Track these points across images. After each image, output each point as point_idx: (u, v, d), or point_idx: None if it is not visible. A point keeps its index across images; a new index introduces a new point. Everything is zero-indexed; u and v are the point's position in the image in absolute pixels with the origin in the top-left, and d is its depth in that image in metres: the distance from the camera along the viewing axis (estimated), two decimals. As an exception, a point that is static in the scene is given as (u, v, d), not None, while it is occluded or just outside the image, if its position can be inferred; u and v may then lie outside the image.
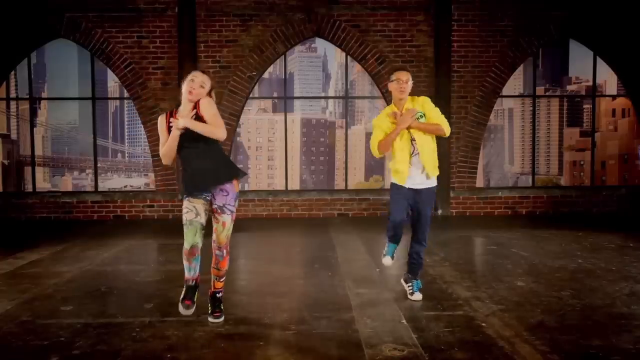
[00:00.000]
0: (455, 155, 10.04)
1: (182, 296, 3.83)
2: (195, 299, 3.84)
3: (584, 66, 10.55)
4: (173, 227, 8.61)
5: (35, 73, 10.42)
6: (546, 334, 3.68)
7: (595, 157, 10.58)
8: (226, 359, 3.37)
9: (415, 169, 4.37)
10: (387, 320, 4.02)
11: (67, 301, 4.61)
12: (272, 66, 10.42)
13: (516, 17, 9.94)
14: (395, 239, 4.56)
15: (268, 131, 11.08)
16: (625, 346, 3.45)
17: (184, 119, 3.64)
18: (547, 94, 11.00)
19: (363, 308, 4.33)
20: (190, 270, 3.82)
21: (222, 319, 3.99)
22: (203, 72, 3.91)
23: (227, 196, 3.80)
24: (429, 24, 9.95)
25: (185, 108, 3.77)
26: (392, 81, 4.43)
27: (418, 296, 4.52)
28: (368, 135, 10.78)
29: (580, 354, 3.36)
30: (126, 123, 11.58)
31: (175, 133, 3.67)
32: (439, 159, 4.61)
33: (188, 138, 3.68)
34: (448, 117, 9.87)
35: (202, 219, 3.76)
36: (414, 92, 4.49)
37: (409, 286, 4.60)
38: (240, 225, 8.98)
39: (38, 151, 10.49)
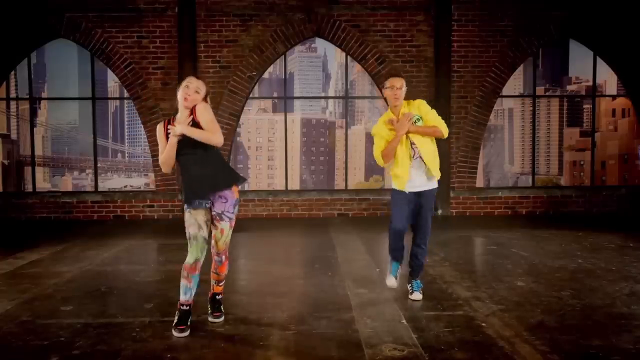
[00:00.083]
0: (455, 155, 10.04)
1: (175, 322, 3.74)
2: (189, 323, 3.76)
3: (584, 66, 10.55)
4: (173, 227, 8.61)
5: (35, 73, 10.43)
6: (546, 334, 3.68)
7: (595, 157, 10.58)
8: (226, 359, 3.37)
9: (416, 172, 4.37)
10: (387, 320, 4.02)
11: (67, 301, 4.61)
12: (272, 66, 10.42)
13: (516, 17, 9.94)
14: (397, 255, 4.56)
15: (268, 131, 11.08)
16: (625, 346, 3.45)
17: (180, 126, 3.61)
18: (547, 94, 11.01)
19: (363, 308, 4.32)
20: (187, 292, 3.75)
21: (222, 318, 3.99)
22: (197, 77, 3.89)
23: (226, 203, 3.78)
24: (429, 24, 9.95)
25: (182, 115, 3.74)
26: (386, 88, 4.42)
27: (418, 296, 4.53)
28: (368, 135, 10.81)
29: (580, 354, 3.35)
30: (126, 123, 11.59)
31: (173, 140, 3.64)
32: (439, 159, 4.61)
33: (186, 145, 3.66)
34: (448, 117, 10.00)
35: (205, 232, 3.75)
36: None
37: (409, 286, 4.61)
38: (240, 225, 8.98)
39: (38, 151, 10.50)
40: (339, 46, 10.10)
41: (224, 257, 3.91)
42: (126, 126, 11.65)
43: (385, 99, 4.58)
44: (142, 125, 10.05)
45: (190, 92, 3.71)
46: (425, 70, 9.97)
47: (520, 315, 4.09)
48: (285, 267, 6.08)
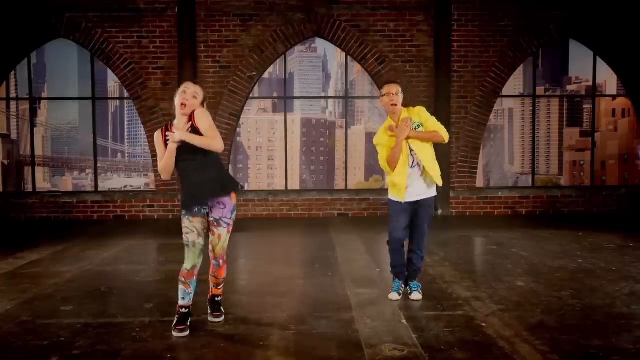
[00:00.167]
0: (455, 155, 10.04)
1: (175, 322, 3.75)
2: (189, 323, 3.77)
3: (584, 66, 10.55)
4: (173, 227, 8.60)
5: (35, 73, 10.43)
6: (546, 334, 3.68)
7: (595, 157, 10.58)
8: (226, 359, 3.37)
9: (414, 179, 4.38)
10: (387, 320, 4.02)
11: (67, 301, 4.61)
12: (272, 66, 10.42)
13: (516, 17, 9.94)
14: (398, 273, 4.59)
15: (268, 131, 11.07)
16: (625, 346, 3.45)
17: (180, 132, 3.58)
18: (547, 94, 11.00)
19: (363, 308, 4.33)
20: (185, 297, 3.76)
21: (222, 318, 4.00)
22: (195, 82, 3.88)
23: (224, 209, 3.76)
24: (429, 24, 9.95)
25: (180, 121, 3.71)
26: (382, 96, 4.44)
27: (417, 296, 4.53)
28: (368, 135, 10.81)
29: (580, 354, 3.36)
30: (126, 123, 11.58)
31: (172, 147, 3.61)
32: (439, 158, 4.62)
33: (186, 151, 3.63)
34: (448, 117, 10.00)
35: (203, 239, 3.74)
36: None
37: (407, 287, 4.63)
38: (240, 225, 8.97)
39: (38, 151, 10.50)
40: (339, 46, 10.10)
41: (221, 261, 3.90)
42: (126, 126, 11.64)
43: (383, 108, 4.60)
44: (142, 125, 10.06)
45: (188, 97, 3.67)
46: (425, 70, 9.97)
47: (520, 315, 4.09)
48: (285, 267, 6.08)
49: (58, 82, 10.63)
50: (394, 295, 4.54)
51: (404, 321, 3.97)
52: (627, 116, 10.87)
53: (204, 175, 3.68)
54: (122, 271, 5.84)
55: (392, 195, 4.48)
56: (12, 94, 10.58)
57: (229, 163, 10.13)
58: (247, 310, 4.30)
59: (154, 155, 9.83)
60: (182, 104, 3.66)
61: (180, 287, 3.77)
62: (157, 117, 9.84)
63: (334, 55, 10.97)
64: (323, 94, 11.45)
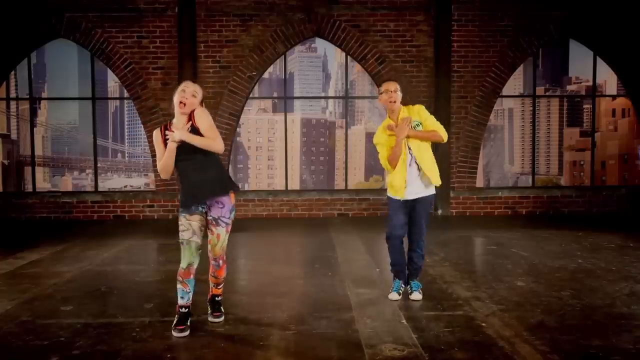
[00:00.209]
0: (455, 155, 10.04)
1: (175, 322, 3.75)
2: (189, 323, 3.77)
3: (584, 66, 10.55)
4: (173, 227, 8.59)
5: (35, 73, 10.43)
6: (546, 334, 3.68)
7: (595, 157, 10.58)
8: (226, 359, 3.37)
9: (413, 178, 4.38)
10: (387, 320, 4.02)
11: (67, 301, 4.61)
12: (272, 66, 10.42)
13: (516, 17, 9.94)
14: (398, 272, 4.60)
15: (268, 131, 11.07)
16: (625, 346, 3.45)
17: (180, 132, 3.56)
18: (547, 94, 11.00)
19: (363, 308, 4.33)
20: (185, 296, 3.75)
21: (222, 318, 3.99)
22: (194, 81, 3.88)
23: (223, 208, 3.75)
24: (429, 24, 9.95)
25: (179, 120, 3.69)
26: (381, 94, 4.45)
27: (418, 296, 4.53)
28: (368, 135, 10.80)
29: (580, 354, 3.35)
30: (126, 123, 11.57)
31: (172, 146, 3.60)
32: (438, 158, 4.62)
33: (185, 150, 3.62)
34: (448, 117, 10.00)
35: (199, 237, 3.73)
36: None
37: (408, 287, 4.63)
38: (240, 225, 9.01)
39: (38, 151, 10.50)
40: (339, 46, 10.10)
41: (221, 261, 3.88)
42: (126, 126, 11.63)
43: (382, 106, 4.60)
44: (142, 125, 10.06)
45: (187, 95, 3.66)
46: (425, 70, 9.97)
47: (520, 315, 4.09)
48: (285, 267, 6.08)
49: (58, 82, 10.62)
50: (394, 295, 4.54)
51: (404, 321, 3.97)
52: (627, 116, 10.87)
53: (204, 175, 3.68)
54: (122, 271, 5.84)
55: (391, 193, 4.48)
56: (12, 94, 10.58)
57: (229, 163, 10.13)
58: (247, 310, 4.30)
59: (154, 155, 9.83)
60: (181, 103, 3.65)
61: (179, 286, 3.76)
62: (157, 117, 9.84)
63: (334, 55, 10.96)
64: (323, 94, 11.45)
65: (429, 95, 9.72)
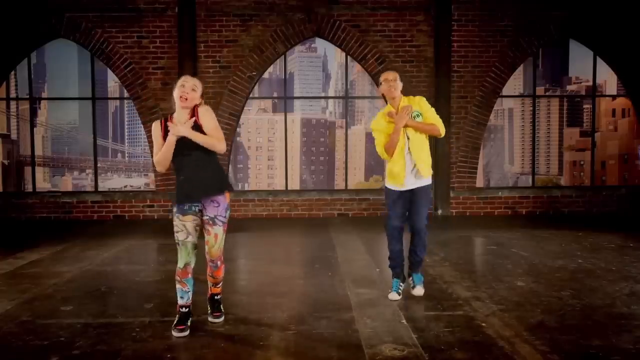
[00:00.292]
0: (455, 155, 10.03)
1: (174, 323, 3.75)
2: (189, 324, 3.77)
3: (584, 66, 10.55)
4: (173, 227, 8.60)
5: (35, 73, 10.42)
6: (546, 334, 3.68)
7: (595, 157, 10.58)
8: (226, 359, 3.37)
9: (410, 167, 4.37)
10: (387, 320, 4.02)
11: (67, 301, 4.61)
12: (272, 66, 10.42)
13: (516, 17, 9.94)
14: (397, 271, 4.58)
15: (268, 131, 11.07)
16: (625, 346, 3.45)
17: (183, 127, 3.53)
18: (547, 94, 11.00)
19: (363, 308, 4.32)
20: (184, 296, 3.75)
21: (222, 319, 3.99)
22: (192, 76, 3.86)
23: (218, 207, 3.73)
24: (429, 24, 9.95)
25: (181, 115, 3.67)
26: (381, 84, 4.47)
27: (420, 290, 4.50)
28: (368, 135, 10.80)
29: (580, 354, 3.35)
30: (126, 123, 11.57)
31: (172, 139, 3.56)
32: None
33: (186, 146, 3.59)
34: (448, 117, 9.99)
35: (194, 237, 3.71)
36: (414, 92, 4.50)
37: (410, 279, 4.59)
38: (240, 225, 9.01)
39: (38, 151, 10.50)
40: (339, 46, 10.10)
41: (219, 262, 3.85)
42: (126, 126, 11.63)
43: (383, 97, 4.59)
44: (142, 125, 10.06)
45: (187, 90, 3.65)
46: (425, 70, 9.97)
47: (520, 315, 4.09)
48: (285, 267, 6.08)
49: (58, 82, 10.62)
50: (394, 295, 4.54)
51: (404, 321, 3.97)
52: (627, 116, 10.87)
53: (201, 174, 3.66)
54: (122, 271, 5.84)
55: (390, 184, 4.47)
56: (12, 94, 10.58)
57: (229, 163, 10.13)
58: (247, 310, 4.30)
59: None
60: (182, 97, 3.63)
61: (177, 286, 3.77)
62: (157, 117, 9.83)
63: (334, 55, 10.96)
64: (323, 94, 11.45)
65: (429, 95, 9.69)
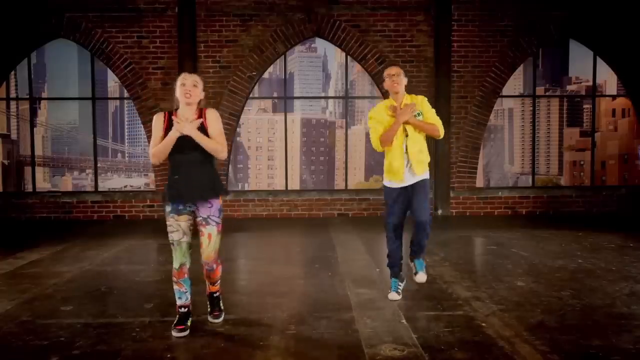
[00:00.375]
0: (455, 155, 10.03)
1: (174, 323, 3.76)
2: (189, 324, 3.78)
3: (584, 66, 10.55)
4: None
5: (35, 73, 10.42)
6: (546, 334, 3.68)
7: (595, 157, 10.58)
8: (226, 359, 3.37)
9: (404, 164, 4.37)
10: (387, 320, 4.02)
11: (67, 301, 4.61)
12: (272, 66, 10.42)
13: (516, 17, 9.94)
14: (396, 270, 4.56)
15: (268, 131, 11.07)
16: (625, 346, 3.45)
17: (190, 126, 3.53)
18: (547, 94, 11.00)
19: (363, 308, 4.32)
20: (182, 296, 3.76)
21: (221, 318, 3.98)
22: (190, 73, 3.86)
23: (212, 208, 3.70)
24: (429, 24, 9.95)
25: (186, 112, 3.65)
26: (384, 79, 4.46)
27: (422, 277, 4.44)
28: (368, 135, 10.79)
29: (580, 354, 3.35)
30: (126, 123, 11.58)
31: (174, 135, 3.55)
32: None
33: (185, 144, 3.58)
34: (448, 117, 9.99)
35: (188, 237, 3.70)
36: (414, 92, 4.50)
37: (411, 265, 4.53)
38: (240, 225, 9.02)
39: (38, 151, 10.50)
40: (339, 46, 10.10)
41: (214, 265, 3.78)
42: (126, 126, 11.64)
43: (387, 94, 4.58)
44: (142, 125, 10.06)
45: (189, 87, 3.65)
46: (425, 70, 9.97)
47: (520, 315, 4.09)
48: (285, 267, 6.08)
49: (58, 82, 10.63)
50: (394, 295, 4.53)
51: (404, 321, 3.97)
52: (627, 116, 10.87)
53: (198, 175, 3.64)
54: (122, 271, 5.84)
55: (389, 181, 4.46)
56: (12, 94, 10.58)
57: (229, 163, 10.13)
58: (247, 310, 4.30)
59: (154, 155, 9.82)
60: (186, 94, 3.61)
61: (175, 287, 3.77)
62: (157, 117, 9.82)
63: (334, 55, 10.97)
64: (323, 94, 11.46)
65: (429, 95, 9.58)
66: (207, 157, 3.67)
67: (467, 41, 9.97)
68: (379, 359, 3.30)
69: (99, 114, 10.45)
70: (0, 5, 9.61)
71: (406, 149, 4.33)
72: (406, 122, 4.30)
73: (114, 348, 3.51)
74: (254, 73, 9.93)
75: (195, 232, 3.74)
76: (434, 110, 4.46)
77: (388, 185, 4.49)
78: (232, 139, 9.98)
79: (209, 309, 4.02)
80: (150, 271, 5.79)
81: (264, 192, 10.34)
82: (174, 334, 3.69)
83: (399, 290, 4.56)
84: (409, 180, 4.37)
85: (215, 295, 4.00)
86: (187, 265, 3.74)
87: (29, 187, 10.39)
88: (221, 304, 4.04)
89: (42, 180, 10.85)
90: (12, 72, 10.36)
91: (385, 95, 9.55)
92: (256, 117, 11.14)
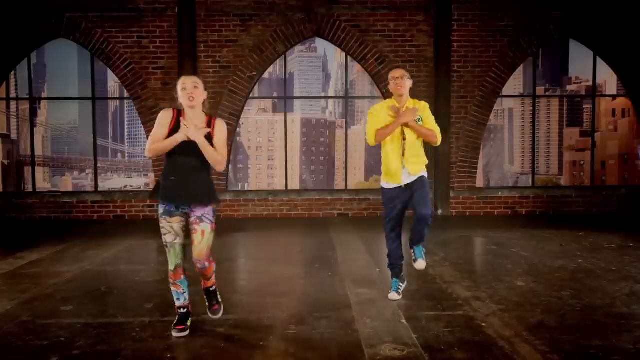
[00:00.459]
0: (455, 155, 10.03)
1: (174, 323, 3.76)
2: (189, 324, 3.77)
3: (584, 66, 10.55)
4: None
5: (35, 73, 10.43)
6: (546, 334, 3.68)
7: (595, 157, 10.58)
8: (226, 359, 3.37)
9: (401, 166, 4.38)
10: (387, 320, 4.02)
11: (67, 301, 4.61)
12: (272, 66, 10.42)
13: (516, 17, 9.94)
14: (397, 270, 4.56)
15: (268, 131, 11.08)
16: (625, 346, 3.45)
17: (198, 134, 3.53)
18: (547, 94, 11.01)
19: (363, 308, 4.32)
20: (180, 297, 3.76)
21: (221, 312, 3.93)
22: (189, 73, 3.86)
23: (205, 208, 3.68)
24: (429, 24, 9.95)
25: (194, 116, 3.65)
26: (389, 82, 4.48)
27: (422, 264, 4.41)
28: (368, 135, 10.81)
29: (580, 354, 3.36)
30: (126, 123, 11.59)
31: (180, 138, 3.55)
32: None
33: (187, 148, 3.57)
34: (448, 117, 10.00)
35: (181, 239, 3.69)
36: (414, 92, 4.50)
37: (411, 252, 4.50)
38: (240, 225, 9.02)
39: (38, 151, 10.50)
40: (339, 46, 10.10)
41: (207, 263, 3.72)
42: (126, 126, 11.65)
43: (390, 95, 4.60)
44: (142, 125, 10.05)
45: (190, 90, 3.64)
46: (425, 70, 9.97)
47: (520, 315, 4.09)
48: (285, 267, 6.08)
49: (58, 82, 10.63)
50: (394, 295, 4.54)
51: (404, 321, 3.97)
52: (627, 116, 10.88)
53: (194, 180, 3.63)
54: (122, 271, 5.84)
55: (386, 182, 4.47)
56: (12, 94, 10.58)
57: (229, 163, 10.13)
58: (247, 310, 4.30)
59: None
60: (190, 98, 3.61)
61: (172, 289, 3.77)
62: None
63: (334, 55, 10.98)
64: (323, 94, 11.46)
65: (429, 95, 9.71)
66: (206, 164, 3.67)
67: (467, 41, 9.97)
68: (379, 359, 3.30)
69: (99, 114, 10.46)
70: (0, 5, 9.61)
71: (403, 153, 4.35)
72: (405, 125, 4.31)
73: (114, 348, 3.51)
74: (254, 73, 9.93)
75: (188, 233, 3.72)
76: (433, 118, 4.50)
77: (386, 187, 4.50)
78: (232, 139, 9.98)
79: (207, 304, 3.96)
80: (150, 271, 5.79)
81: (264, 192, 10.34)
82: (174, 334, 3.69)
83: (400, 291, 4.57)
84: (406, 180, 4.39)
85: (211, 289, 3.93)
86: (183, 266, 3.73)
87: (29, 187, 10.40)
88: (219, 297, 3.97)
89: (42, 180, 10.86)
90: (12, 72, 10.36)
91: (385, 95, 9.56)
92: (256, 117, 11.15)
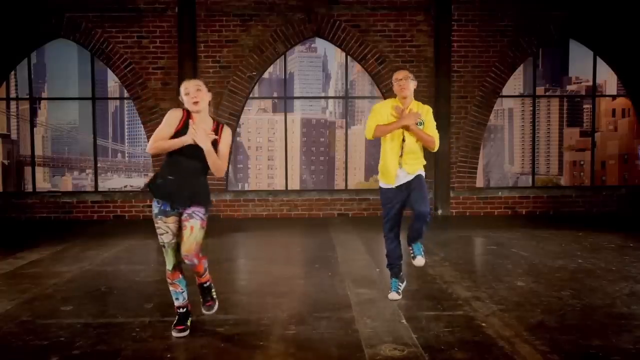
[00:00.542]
0: (455, 155, 10.03)
1: (174, 323, 3.77)
2: (189, 324, 3.78)
3: (584, 66, 10.55)
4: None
5: (35, 73, 10.43)
6: (546, 334, 3.68)
7: (595, 157, 10.58)
8: (226, 359, 3.37)
9: (397, 167, 4.39)
10: (387, 320, 4.02)
11: (67, 301, 4.61)
12: (272, 66, 10.42)
13: (516, 17, 9.94)
14: (396, 270, 4.56)
15: (268, 131, 11.09)
16: (625, 346, 3.45)
17: (206, 140, 3.53)
18: (547, 94, 11.01)
19: (363, 308, 4.33)
20: (179, 297, 3.77)
21: (215, 308, 3.87)
22: (192, 76, 3.86)
23: (198, 206, 3.67)
24: (429, 24, 9.95)
25: (203, 121, 3.64)
26: (393, 84, 4.47)
27: (421, 261, 4.42)
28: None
29: (580, 354, 3.36)
30: (126, 123, 11.59)
31: (186, 140, 3.54)
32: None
33: (191, 150, 3.57)
34: (448, 117, 10.00)
35: (178, 238, 3.68)
36: (415, 92, 4.49)
37: (409, 249, 4.50)
38: (240, 225, 9.02)
39: (38, 151, 10.50)
40: (339, 46, 10.10)
41: (195, 260, 3.66)
42: (126, 126, 11.65)
43: (394, 96, 4.59)
44: (142, 125, 10.05)
45: (193, 94, 3.61)
46: (425, 70, 9.97)
47: (520, 315, 4.09)
48: (285, 267, 6.08)
49: (58, 82, 10.63)
50: (394, 295, 4.54)
51: (404, 321, 3.97)
52: (627, 116, 10.88)
53: (192, 182, 3.63)
54: (122, 271, 5.84)
55: (383, 182, 4.48)
56: (12, 94, 10.58)
57: (229, 163, 10.12)
58: (247, 310, 4.30)
59: (153, 155, 9.82)
60: (194, 102, 3.60)
61: (171, 288, 3.78)
62: (157, 117, 9.83)
63: (334, 55, 10.98)
64: (323, 94, 11.46)
65: (429, 95, 9.72)
66: (206, 168, 3.68)
67: (467, 41, 9.97)
68: (379, 359, 3.30)
69: (99, 114, 10.46)
70: (0, 5, 9.61)
71: (402, 153, 4.36)
72: (406, 127, 4.31)
73: (114, 348, 3.51)
74: (254, 73, 9.93)
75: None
76: (435, 124, 4.49)
77: (383, 187, 4.51)
78: (232, 140, 9.96)
79: (201, 300, 3.90)
80: (150, 271, 5.79)
81: (264, 192, 10.34)
82: (174, 334, 3.69)
83: (399, 291, 4.57)
84: (403, 180, 4.39)
85: (205, 285, 3.87)
86: (180, 265, 3.73)
87: (29, 187, 10.40)
88: (213, 293, 3.91)
89: (42, 180, 10.86)
90: (12, 72, 10.36)
91: (385, 96, 9.56)
92: (256, 117, 11.16)
